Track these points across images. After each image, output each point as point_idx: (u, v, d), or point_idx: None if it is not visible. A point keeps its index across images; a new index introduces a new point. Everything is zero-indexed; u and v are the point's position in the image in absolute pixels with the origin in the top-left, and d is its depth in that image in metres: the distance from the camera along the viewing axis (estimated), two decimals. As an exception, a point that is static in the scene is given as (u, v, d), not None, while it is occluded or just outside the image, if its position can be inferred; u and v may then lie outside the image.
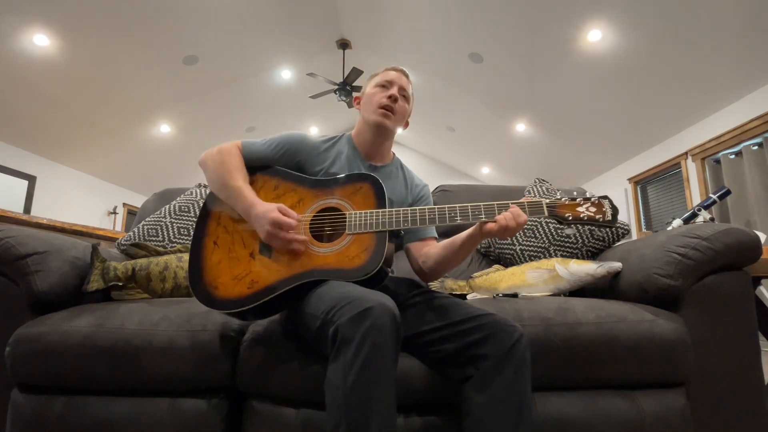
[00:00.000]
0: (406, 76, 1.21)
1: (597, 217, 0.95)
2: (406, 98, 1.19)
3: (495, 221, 0.92)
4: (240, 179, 1.05)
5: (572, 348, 0.96)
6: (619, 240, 1.43)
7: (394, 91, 1.16)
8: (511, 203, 0.94)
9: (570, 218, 0.95)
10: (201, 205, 1.24)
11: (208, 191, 1.27)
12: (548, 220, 1.47)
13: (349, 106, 5.37)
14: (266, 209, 0.97)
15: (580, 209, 0.96)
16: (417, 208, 0.98)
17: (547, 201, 0.96)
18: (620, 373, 0.97)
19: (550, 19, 3.77)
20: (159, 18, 4.06)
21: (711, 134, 4.03)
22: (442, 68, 5.20)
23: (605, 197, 0.96)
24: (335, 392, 0.73)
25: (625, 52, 3.77)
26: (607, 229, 1.41)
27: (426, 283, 1.45)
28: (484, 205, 0.95)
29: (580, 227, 1.43)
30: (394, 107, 1.15)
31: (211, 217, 1.07)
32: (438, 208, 0.97)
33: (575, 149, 5.54)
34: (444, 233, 1.40)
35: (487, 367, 0.82)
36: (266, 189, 1.07)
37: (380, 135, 1.17)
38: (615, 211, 0.95)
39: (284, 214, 0.96)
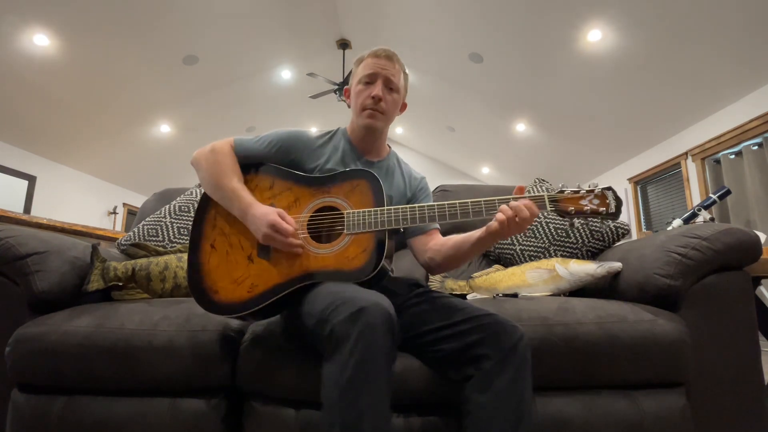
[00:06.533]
0: (393, 59, 1.12)
1: (600, 209, 0.91)
2: (394, 89, 1.12)
3: (496, 220, 0.91)
4: (235, 180, 1.04)
5: (572, 348, 0.96)
6: (619, 240, 1.43)
7: (378, 90, 1.09)
8: (513, 197, 0.92)
9: (573, 212, 0.91)
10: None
11: (202, 192, 1.26)
12: (549, 219, 1.47)
13: (349, 106, 5.36)
14: (265, 212, 0.96)
15: (583, 202, 0.92)
16: (416, 205, 0.96)
17: (549, 194, 0.93)
18: (620, 373, 0.96)
19: (550, 19, 3.76)
20: (159, 18, 4.06)
21: (711, 134, 4.03)
22: (442, 68, 5.19)
23: (609, 188, 0.92)
24: (330, 392, 0.73)
25: (625, 52, 3.77)
26: (608, 228, 1.41)
27: (430, 276, 1.45)
28: (484, 201, 0.93)
29: (579, 226, 1.43)
30: (380, 107, 1.10)
31: (206, 219, 1.06)
32: (438, 205, 0.96)
33: (575, 149, 5.54)
34: (448, 229, 1.40)
35: (488, 367, 0.82)
36: (261, 188, 1.06)
37: (371, 135, 1.15)
38: (619, 202, 0.91)
39: (283, 220, 0.95)
